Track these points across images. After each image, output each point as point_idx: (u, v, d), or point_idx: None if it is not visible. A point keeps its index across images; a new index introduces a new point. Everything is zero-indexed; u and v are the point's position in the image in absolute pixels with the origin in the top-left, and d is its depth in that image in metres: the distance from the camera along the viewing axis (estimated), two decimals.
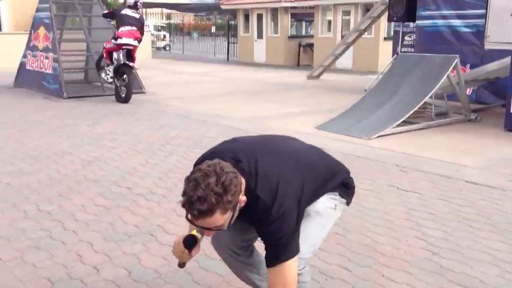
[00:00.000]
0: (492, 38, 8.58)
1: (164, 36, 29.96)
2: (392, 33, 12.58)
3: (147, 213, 3.72)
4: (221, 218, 1.70)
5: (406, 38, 11.19)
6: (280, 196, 1.79)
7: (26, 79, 11.03)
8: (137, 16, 8.98)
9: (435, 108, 7.39)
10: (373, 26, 13.25)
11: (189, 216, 1.71)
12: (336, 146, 5.79)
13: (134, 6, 9.00)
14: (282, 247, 1.79)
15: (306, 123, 7.07)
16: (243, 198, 1.76)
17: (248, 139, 2.12)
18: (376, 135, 6.18)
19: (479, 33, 8.69)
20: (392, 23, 11.51)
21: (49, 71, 10.15)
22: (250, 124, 7.10)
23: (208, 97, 9.93)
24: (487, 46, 8.57)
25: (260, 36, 19.72)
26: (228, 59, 21.36)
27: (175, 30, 32.96)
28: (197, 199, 1.63)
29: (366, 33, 13.11)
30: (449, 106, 7.67)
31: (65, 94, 9.52)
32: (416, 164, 5.02)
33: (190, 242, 1.95)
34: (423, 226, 3.46)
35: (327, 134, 6.39)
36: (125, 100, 8.86)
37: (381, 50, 15.42)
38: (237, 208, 1.75)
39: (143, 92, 10.24)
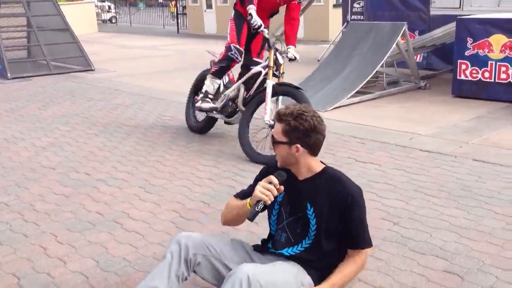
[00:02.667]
0: (437, 4, 8.82)
1: (109, 8, 28.89)
2: (341, 0, 12.65)
3: (110, 199, 3.66)
4: (275, 137, 2.09)
5: (355, 5, 11.28)
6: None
7: None
8: None
9: (387, 77, 7.56)
10: None
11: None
12: None
13: None
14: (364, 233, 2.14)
15: None
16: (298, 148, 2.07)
17: None
18: (332, 107, 6.28)
19: None
20: None
21: None
22: None
23: (162, 72, 9.74)
24: (433, 11, 8.82)
25: (209, 6, 19.35)
26: (178, 31, 20.93)
27: (120, 0, 31.86)
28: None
29: (315, 0, 13.11)
30: (399, 74, 7.87)
31: (9, 75, 9.11)
32: (372, 135, 5.15)
33: (282, 175, 2.04)
34: (383, 197, 3.58)
35: None
36: None
37: (331, 18, 15.50)
38: (290, 150, 2.08)
39: (92, 69, 9.92)
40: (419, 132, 5.21)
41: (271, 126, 4.19)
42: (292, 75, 8.64)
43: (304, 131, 2.05)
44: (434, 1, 8.81)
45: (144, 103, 6.93)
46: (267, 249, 2.24)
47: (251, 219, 2.01)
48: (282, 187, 2.03)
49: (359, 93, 6.75)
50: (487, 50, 6.53)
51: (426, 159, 4.39)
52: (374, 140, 4.99)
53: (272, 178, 2.02)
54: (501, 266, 2.64)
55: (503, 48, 6.40)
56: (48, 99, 7.29)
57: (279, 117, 2.09)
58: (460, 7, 8.41)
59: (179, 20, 21.54)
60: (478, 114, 5.93)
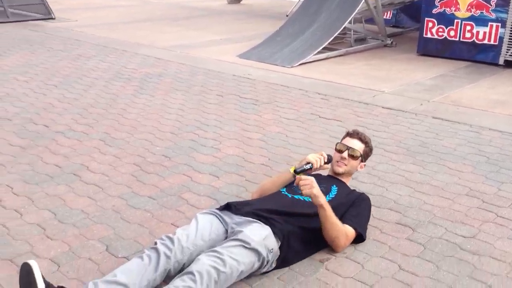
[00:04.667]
0: None
1: None
2: None
3: (68, 152, 3.60)
4: (358, 151, 2.68)
5: None
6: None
7: None
8: None
9: (354, 33, 7.54)
10: None
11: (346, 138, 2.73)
12: (259, 74, 5.81)
13: None
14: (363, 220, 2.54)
15: (228, 52, 6.98)
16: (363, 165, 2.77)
17: None
18: (298, 63, 6.25)
19: None
20: None
21: None
22: (171, 54, 6.90)
23: (125, 23, 9.43)
24: None
25: None
26: None
27: None
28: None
29: None
30: (367, 31, 7.85)
31: None
32: (337, 92, 5.17)
33: (330, 158, 2.66)
34: None
35: (249, 63, 6.36)
36: None
37: None
38: (359, 165, 2.72)
39: (52, 18, 9.52)
40: (383, 90, 5.26)
41: None
42: (258, 30, 8.54)
43: (369, 155, 2.78)
44: None
45: (106, 55, 6.73)
46: (237, 210, 2.35)
47: (298, 172, 2.49)
48: (326, 165, 2.60)
49: (326, 49, 6.73)
50: (454, 9, 6.56)
51: (387, 116, 4.46)
52: (338, 97, 5.02)
53: (323, 153, 2.59)
54: (450, 219, 2.74)
55: (469, 7, 6.44)
56: (5, 48, 6.98)
57: (364, 139, 2.72)
58: None
59: None
60: (441, 72, 6.01)
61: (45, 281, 1.81)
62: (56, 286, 1.87)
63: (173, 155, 3.58)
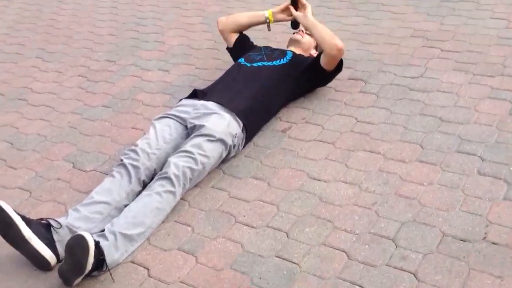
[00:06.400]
0: None
1: None
2: None
3: (7, 77, 3.43)
4: None
5: None
6: None
7: None
8: None
9: None
10: None
11: None
12: None
13: None
14: None
15: None
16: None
17: None
18: None
19: None
20: None
21: None
22: None
23: None
24: None
25: None
26: None
27: None
28: None
29: None
30: None
31: None
32: None
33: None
34: None
35: None
36: None
37: None
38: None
39: None
40: None
41: None
42: None
43: None
44: None
45: None
46: (201, 96, 2.39)
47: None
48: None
49: None
50: None
51: None
52: None
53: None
54: (398, 63, 2.81)
55: None
56: None
57: None
58: None
59: None
60: None
61: (19, 214, 1.81)
62: (35, 219, 1.88)
63: (117, 58, 3.46)
